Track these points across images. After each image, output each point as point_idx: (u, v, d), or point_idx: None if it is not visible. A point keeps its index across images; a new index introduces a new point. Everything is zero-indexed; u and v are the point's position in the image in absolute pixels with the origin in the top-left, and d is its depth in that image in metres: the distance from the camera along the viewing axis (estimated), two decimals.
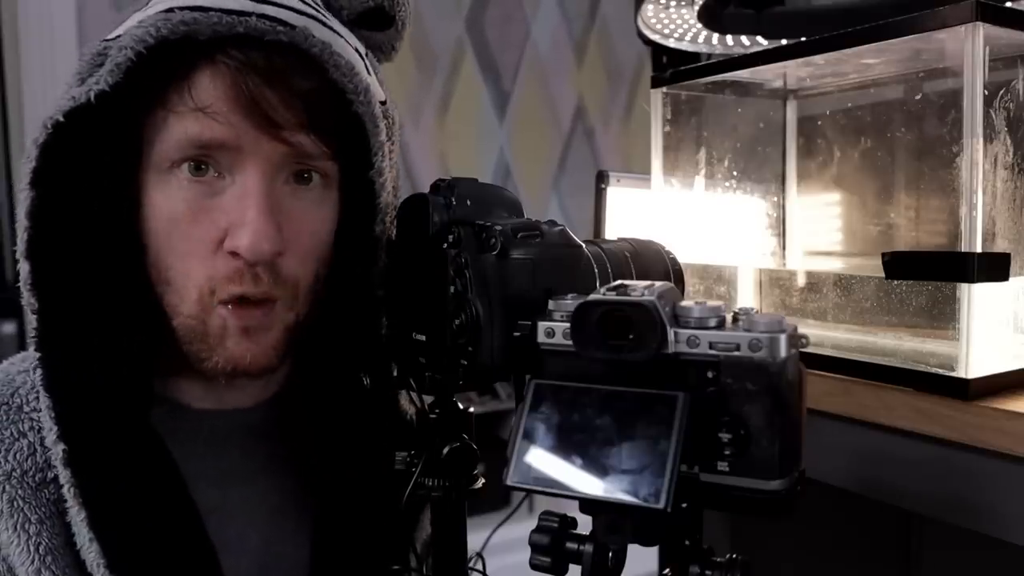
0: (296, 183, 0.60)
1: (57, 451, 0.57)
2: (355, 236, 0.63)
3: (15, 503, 0.58)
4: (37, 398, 0.60)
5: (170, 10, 0.56)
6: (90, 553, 0.57)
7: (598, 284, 0.57)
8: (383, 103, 0.65)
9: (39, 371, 0.58)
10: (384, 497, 0.68)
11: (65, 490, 0.57)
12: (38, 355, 0.58)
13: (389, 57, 0.71)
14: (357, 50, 0.64)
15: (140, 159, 0.59)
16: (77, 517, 0.57)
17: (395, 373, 0.62)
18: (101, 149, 0.59)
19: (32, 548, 0.57)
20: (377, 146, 0.61)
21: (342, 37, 0.62)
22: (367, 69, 0.64)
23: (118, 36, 0.58)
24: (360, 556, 0.69)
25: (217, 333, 0.60)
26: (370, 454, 0.69)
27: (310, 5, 0.61)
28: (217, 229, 0.58)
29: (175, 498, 0.61)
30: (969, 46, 0.63)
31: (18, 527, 0.58)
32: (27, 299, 0.58)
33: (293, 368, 0.68)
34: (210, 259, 0.58)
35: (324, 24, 0.61)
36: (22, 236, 0.58)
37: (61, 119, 0.56)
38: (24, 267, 0.58)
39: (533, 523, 0.48)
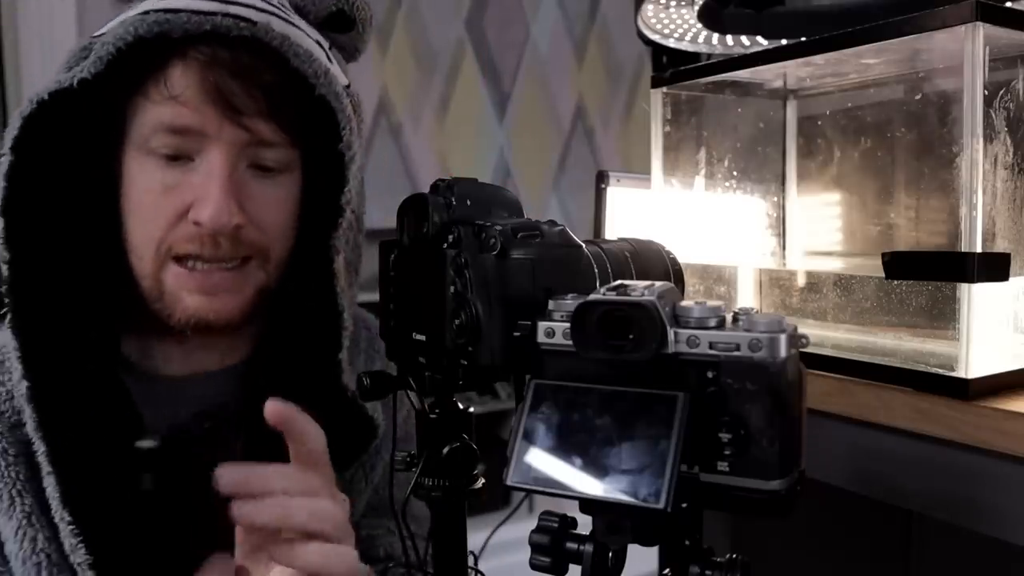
0: (259, 170, 0.67)
1: (21, 388, 0.62)
2: (325, 208, 0.69)
3: None
4: None
5: (146, 12, 0.64)
6: (48, 486, 0.62)
7: (598, 284, 0.57)
8: (347, 87, 0.71)
9: (8, 315, 0.64)
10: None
11: (28, 426, 0.62)
12: (8, 301, 0.64)
13: (354, 57, 0.78)
14: (318, 42, 0.70)
15: (123, 140, 0.66)
16: (39, 451, 0.62)
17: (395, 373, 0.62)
18: (86, 129, 0.66)
19: (12, 475, 0.63)
20: (344, 120, 0.67)
21: (302, 30, 0.68)
22: (328, 57, 0.69)
23: (102, 33, 0.66)
24: None
25: (173, 291, 0.66)
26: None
27: (273, 4, 0.68)
28: (183, 202, 0.65)
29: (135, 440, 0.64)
30: (969, 46, 0.63)
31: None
32: (0, 252, 0.65)
33: (262, 336, 0.73)
34: (171, 225, 0.65)
35: (284, 19, 0.67)
36: None
37: (45, 97, 0.64)
38: None
39: (533, 523, 0.48)
